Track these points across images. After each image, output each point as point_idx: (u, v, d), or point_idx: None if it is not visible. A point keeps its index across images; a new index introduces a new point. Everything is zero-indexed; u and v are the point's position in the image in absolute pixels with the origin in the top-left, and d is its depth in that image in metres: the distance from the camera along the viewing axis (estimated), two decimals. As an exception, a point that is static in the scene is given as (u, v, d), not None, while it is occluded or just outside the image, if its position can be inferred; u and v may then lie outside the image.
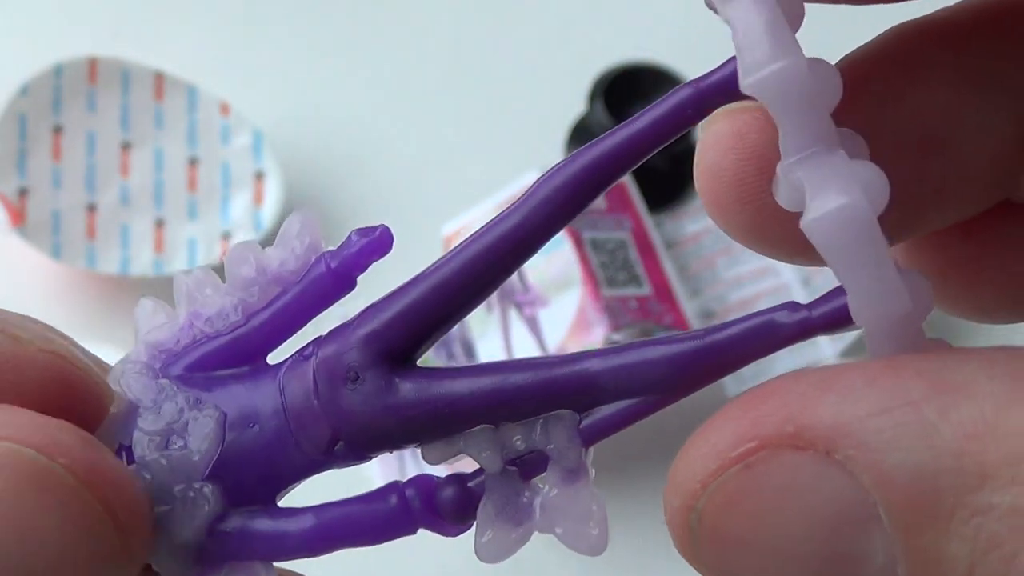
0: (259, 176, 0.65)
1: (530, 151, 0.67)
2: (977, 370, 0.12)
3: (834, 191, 0.13)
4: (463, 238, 0.15)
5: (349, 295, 0.17)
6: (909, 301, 0.13)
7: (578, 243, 0.60)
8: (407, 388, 0.15)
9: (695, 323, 0.61)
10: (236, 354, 0.16)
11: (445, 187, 0.67)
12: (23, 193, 0.63)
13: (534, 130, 0.69)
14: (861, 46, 0.18)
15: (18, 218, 0.62)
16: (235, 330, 0.16)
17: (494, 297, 0.61)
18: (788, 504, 0.13)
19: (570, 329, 0.59)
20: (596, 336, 0.57)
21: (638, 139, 0.15)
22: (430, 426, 0.15)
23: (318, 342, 0.16)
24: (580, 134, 0.68)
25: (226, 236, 0.64)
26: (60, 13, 0.72)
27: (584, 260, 0.59)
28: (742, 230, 0.18)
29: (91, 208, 0.64)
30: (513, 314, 0.60)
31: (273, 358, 0.17)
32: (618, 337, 0.57)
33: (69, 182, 0.64)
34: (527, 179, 0.61)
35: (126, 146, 0.65)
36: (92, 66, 0.64)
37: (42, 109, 0.63)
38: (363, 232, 0.16)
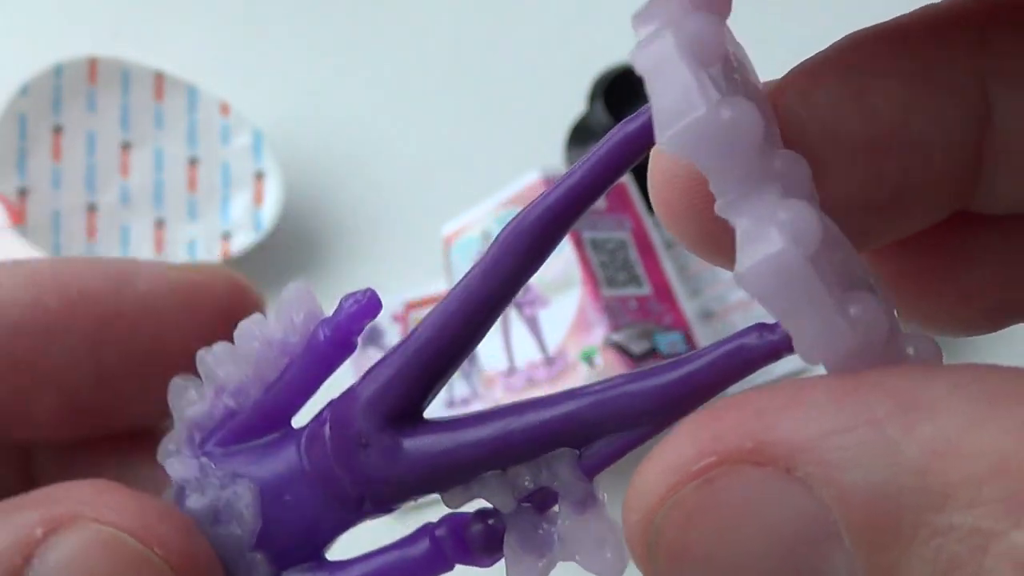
0: (259, 176, 0.65)
1: (530, 151, 0.67)
2: (943, 389, 0.12)
3: (760, 240, 0.13)
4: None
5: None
6: (852, 337, 0.13)
7: (578, 243, 0.60)
8: (413, 447, 0.16)
9: (695, 323, 0.61)
10: (262, 424, 0.17)
11: (445, 187, 0.67)
12: (23, 193, 0.63)
13: (534, 130, 0.69)
14: (816, 53, 0.17)
15: (18, 218, 0.62)
16: (256, 402, 0.17)
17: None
18: (748, 521, 0.13)
19: (570, 329, 0.59)
20: (596, 336, 0.57)
21: (581, 187, 0.16)
22: (442, 478, 0.16)
23: (331, 406, 0.17)
24: (580, 134, 0.68)
25: (226, 236, 0.64)
26: (60, 13, 0.72)
27: (584, 260, 0.59)
28: (693, 239, 0.17)
29: (91, 208, 0.64)
30: (513, 314, 0.60)
31: (298, 420, 0.18)
32: (618, 337, 0.57)
33: (69, 182, 0.64)
34: (527, 179, 0.61)
35: (126, 146, 0.65)
36: (92, 66, 0.64)
37: (42, 109, 0.63)
38: (352, 297, 0.17)
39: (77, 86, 0.64)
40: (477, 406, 0.59)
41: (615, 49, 0.69)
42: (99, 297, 0.18)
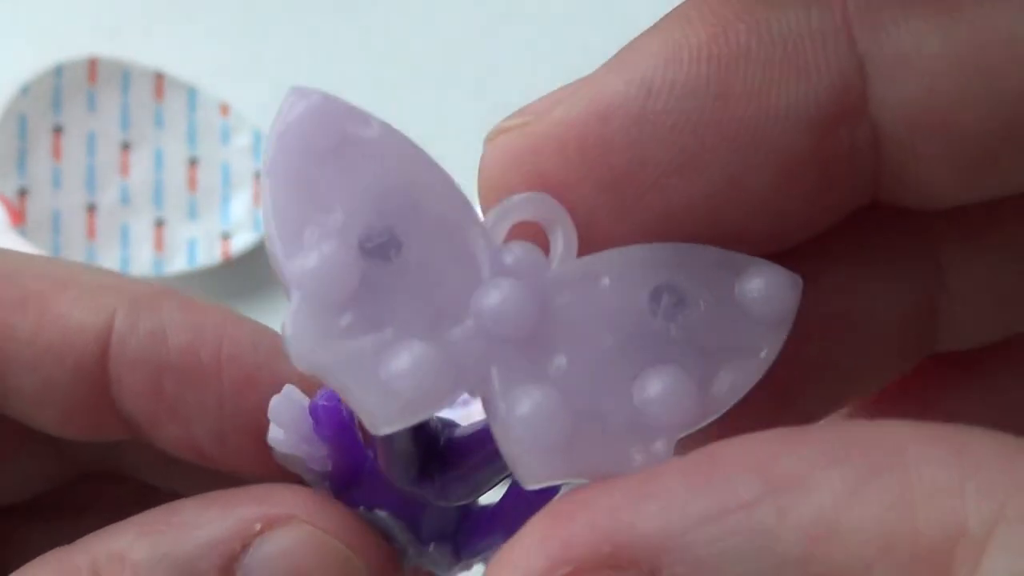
0: (259, 176, 0.65)
1: (530, 151, 0.67)
2: (812, 457, 0.11)
3: (512, 445, 0.15)
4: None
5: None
6: (617, 470, 0.13)
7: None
8: (448, 482, 0.19)
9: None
10: (354, 470, 0.20)
11: (445, 187, 0.67)
12: (23, 193, 0.63)
13: (534, 130, 0.69)
14: None
15: (18, 218, 0.62)
16: (334, 466, 0.19)
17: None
18: None
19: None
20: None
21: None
22: (484, 484, 0.19)
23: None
24: (580, 134, 0.68)
25: (226, 236, 0.64)
26: (60, 13, 0.72)
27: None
28: None
29: (91, 208, 0.64)
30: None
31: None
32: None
33: (69, 182, 0.64)
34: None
35: (126, 146, 0.65)
36: (92, 66, 0.64)
37: (42, 109, 0.63)
38: (316, 405, 0.19)
39: (77, 86, 0.64)
40: (476, 405, 0.59)
41: (615, 49, 0.69)
42: (244, 364, 0.19)
